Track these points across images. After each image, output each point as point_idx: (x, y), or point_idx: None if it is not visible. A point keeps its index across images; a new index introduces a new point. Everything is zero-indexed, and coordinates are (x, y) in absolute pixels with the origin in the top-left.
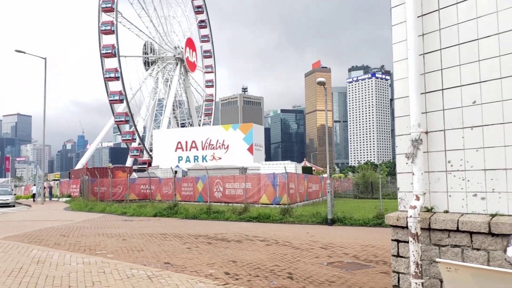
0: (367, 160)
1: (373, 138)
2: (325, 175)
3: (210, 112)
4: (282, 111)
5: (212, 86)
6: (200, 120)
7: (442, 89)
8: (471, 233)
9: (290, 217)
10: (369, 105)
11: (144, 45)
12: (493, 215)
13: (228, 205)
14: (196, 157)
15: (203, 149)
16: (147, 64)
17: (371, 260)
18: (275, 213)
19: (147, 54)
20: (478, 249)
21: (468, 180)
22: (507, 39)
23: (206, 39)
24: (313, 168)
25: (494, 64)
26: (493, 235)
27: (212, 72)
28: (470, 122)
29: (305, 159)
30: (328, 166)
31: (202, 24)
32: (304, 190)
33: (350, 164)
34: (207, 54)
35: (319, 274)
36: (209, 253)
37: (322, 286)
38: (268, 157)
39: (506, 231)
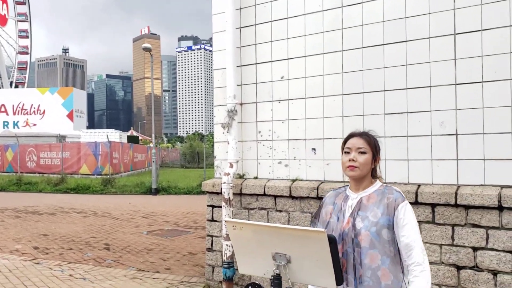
0: (196, 130)
1: (202, 109)
2: (152, 145)
3: (25, 66)
4: (108, 76)
5: (27, 36)
6: (12, 79)
7: (256, 63)
8: (275, 197)
9: (113, 187)
10: (198, 76)
11: None
12: (293, 180)
13: (43, 176)
14: (6, 123)
15: (14, 114)
16: None
17: (191, 226)
18: (96, 184)
19: None
20: (280, 211)
21: (275, 149)
22: (312, 20)
23: None
24: (140, 138)
25: (300, 42)
26: (293, 198)
27: (26, 21)
28: (278, 96)
29: (132, 128)
30: (153, 135)
31: None
32: (129, 160)
33: (179, 134)
34: (21, 1)
35: (138, 243)
36: (17, 227)
37: (140, 254)
38: (92, 125)
39: (303, 194)
